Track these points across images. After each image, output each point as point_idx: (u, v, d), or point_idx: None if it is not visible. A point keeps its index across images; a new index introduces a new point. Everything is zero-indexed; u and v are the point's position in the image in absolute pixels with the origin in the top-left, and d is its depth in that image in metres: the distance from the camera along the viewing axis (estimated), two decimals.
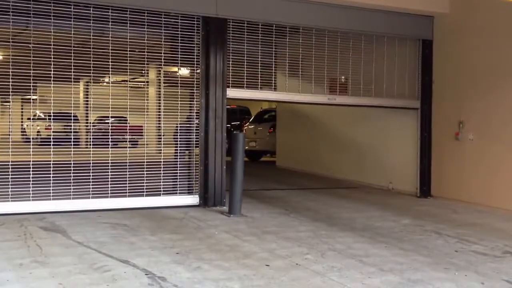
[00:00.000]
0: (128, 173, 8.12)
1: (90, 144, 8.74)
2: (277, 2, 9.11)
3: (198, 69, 8.61)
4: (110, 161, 8.05)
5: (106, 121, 9.25)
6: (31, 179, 7.53)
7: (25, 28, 7.73)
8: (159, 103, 8.89)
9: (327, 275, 5.01)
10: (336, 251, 5.90)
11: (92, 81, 8.69)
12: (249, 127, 18.16)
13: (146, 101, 8.74)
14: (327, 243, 6.26)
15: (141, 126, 8.91)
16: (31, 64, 7.59)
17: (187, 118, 8.77)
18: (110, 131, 8.49)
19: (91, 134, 9.17)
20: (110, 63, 8.07)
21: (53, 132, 8.69)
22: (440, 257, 5.81)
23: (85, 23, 7.92)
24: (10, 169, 7.47)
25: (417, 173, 10.44)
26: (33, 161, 7.60)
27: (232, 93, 8.75)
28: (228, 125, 11.84)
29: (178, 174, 8.53)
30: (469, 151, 9.62)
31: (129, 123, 8.92)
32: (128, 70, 8.25)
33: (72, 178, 7.78)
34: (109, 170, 8.01)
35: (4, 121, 8.73)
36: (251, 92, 9.02)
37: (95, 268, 5.06)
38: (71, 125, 8.29)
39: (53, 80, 7.77)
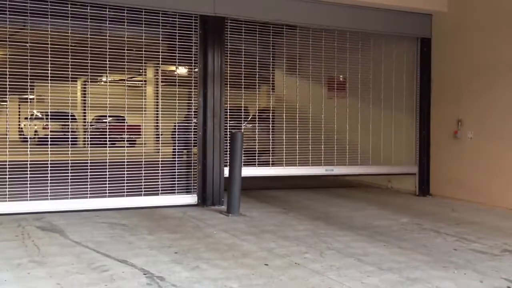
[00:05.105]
0: (126, 172, 8.10)
1: (87, 144, 8.71)
2: (276, 1, 9.08)
3: (196, 68, 8.58)
4: (108, 161, 8.03)
5: (104, 120, 9.23)
6: (28, 178, 7.51)
7: (22, 27, 7.71)
8: (157, 102, 8.87)
9: (326, 274, 5.00)
10: (335, 250, 5.89)
11: (89, 80, 8.67)
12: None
13: (144, 100, 8.72)
14: (326, 242, 6.25)
15: (139, 125, 8.90)
16: (28, 63, 7.57)
17: (185, 117, 8.75)
18: (108, 130, 8.48)
19: (89, 133, 9.15)
20: (107, 62, 8.06)
21: (51, 131, 8.67)
22: (439, 255, 5.80)
23: (82, 22, 7.90)
24: (7, 169, 7.45)
25: (416, 172, 10.43)
26: (30, 161, 7.58)
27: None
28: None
29: (177, 173, 8.51)
30: (468, 149, 9.61)
31: (127, 122, 8.90)
32: (126, 69, 8.24)
33: (70, 177, 7.77)
34: (107, 170, 7.99)
35: (1, 120, 8.70)
36: (249, 169, 8.79)
37: (93, 268, 5.04)
38: (68, 125, 8.27)
39: (50, 79, 7.75)
